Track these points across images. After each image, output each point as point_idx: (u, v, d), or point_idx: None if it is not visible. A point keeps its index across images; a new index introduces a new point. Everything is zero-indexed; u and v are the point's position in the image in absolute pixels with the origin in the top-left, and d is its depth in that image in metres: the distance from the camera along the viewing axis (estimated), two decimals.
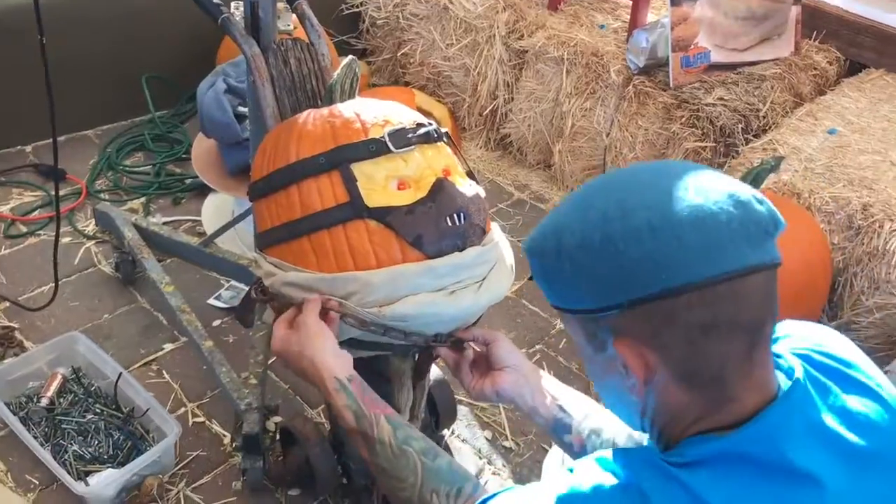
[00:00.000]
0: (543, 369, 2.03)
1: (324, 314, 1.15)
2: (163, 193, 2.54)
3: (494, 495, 0.94)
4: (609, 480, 0.80)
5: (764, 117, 2.43)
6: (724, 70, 2.51)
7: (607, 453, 0.85)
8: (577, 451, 1.18)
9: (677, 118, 2.39)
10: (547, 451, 1.82)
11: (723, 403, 0.80)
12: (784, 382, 0.82)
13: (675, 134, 2.40)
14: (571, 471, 0.88)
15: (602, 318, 0.80)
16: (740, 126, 2.36)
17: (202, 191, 2.49)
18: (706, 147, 2.37)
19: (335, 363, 1.10)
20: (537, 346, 2.14)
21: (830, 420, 0.81)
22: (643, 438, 1.10)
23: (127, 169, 2.63)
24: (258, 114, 1.45)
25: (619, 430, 1.16)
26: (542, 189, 2.81)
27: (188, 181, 2.57)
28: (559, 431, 1.22)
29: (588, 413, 1.22)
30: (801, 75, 2.63)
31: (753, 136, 2.38)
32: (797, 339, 0.92)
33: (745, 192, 0.78)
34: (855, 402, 0.84)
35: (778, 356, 0.86)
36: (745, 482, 0.76)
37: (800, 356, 0.87)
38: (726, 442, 0.78)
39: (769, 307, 0.79)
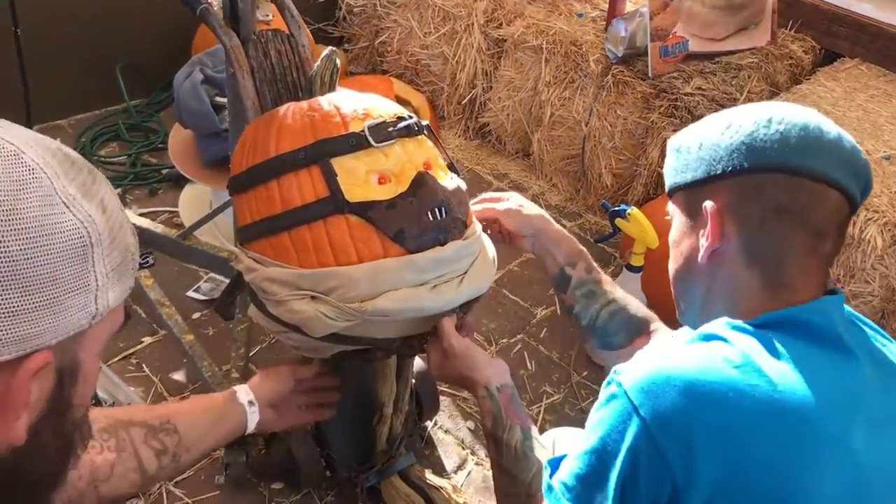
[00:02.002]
0: (524, 359, 2.06)
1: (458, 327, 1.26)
2: (139, 184, 2.51)
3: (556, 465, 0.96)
4: (689, 343, 0.88)
5: None
6: (702, 59, 2.52)
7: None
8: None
9: (656, 107, 2.40)
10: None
11: (780, 289, 0.90)
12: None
13: (653, 123, 2.41)
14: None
15: (708, 186, 0.93)
16: None
17: (179, 181, 2.46)
18: None
19: (488, 374, 1.19)
20: (518, 336, 2.15)
21: (865, 340, 0.92)
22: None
23: (102, 159, 2.60)
24: (238, 106, 1.43)
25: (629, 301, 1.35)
26: (520, 178, 2.82)
27: (164, 171, 2.54)
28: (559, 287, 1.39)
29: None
30: (777, 64, 2.64)
31: None
32: None
33: (860, 152, 0.91)
34: (888, 348, 0.94)
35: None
36: (805, 342, 0.85)
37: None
38: (789, 311, 0.88)
39: (835, 228, 0.90)
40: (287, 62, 1.45)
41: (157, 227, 2.06)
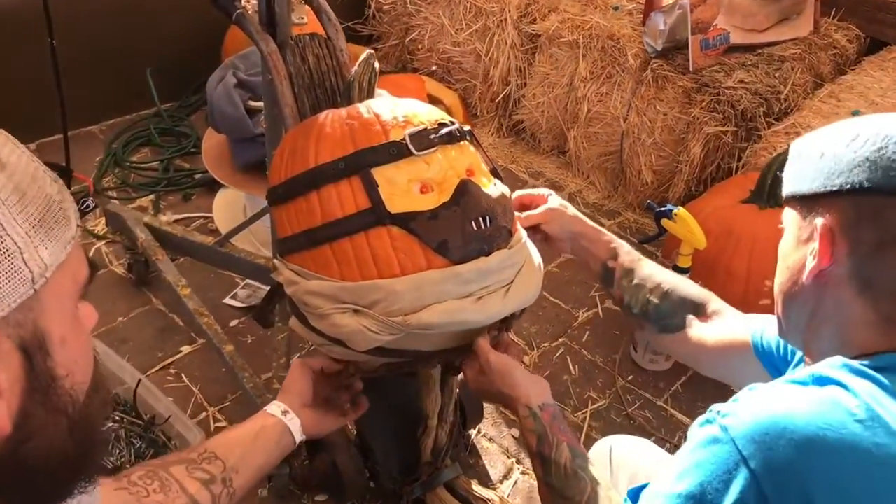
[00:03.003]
0: (567, 363, 2.02)
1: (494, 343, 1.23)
2: (172, 189, 2.50)
3: (643, 485, 0.92)
4: (798, 381, 0.81)
5: (785, 100, 2.37)
6: (744, 52, 2.45)
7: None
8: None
9: (697, 102, 2.33)
10: None
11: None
12: None
13: (695, 118, 2.34)
14: None
15: (823, 199, 0.85)
16: (762, 109, 2.30)
17: (212, 186, 2.45)
18: (727, 132, 2.31)
19: (529, 392, 1.16)
20: (560, 339, 2.10)
21: None
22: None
23: (134, 165, 2.59)
24: (275, 113, 1.40)
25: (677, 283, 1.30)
26: (556, 176, 2.77)
27: (198, 176, 2.53)
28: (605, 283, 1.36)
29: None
30: (820, 55, 2.56)
31: (775, 119, 2.32)
32: None
33: None
34: None
35: None
36: None
37: None
38: None
39: None
40: (325, 67, 1.41)
41: (194, 235, 2.05)
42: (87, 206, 2.36)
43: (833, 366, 0.81)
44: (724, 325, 1.25)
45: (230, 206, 2.36)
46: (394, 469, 1.57)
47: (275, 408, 1.24)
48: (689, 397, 1.95)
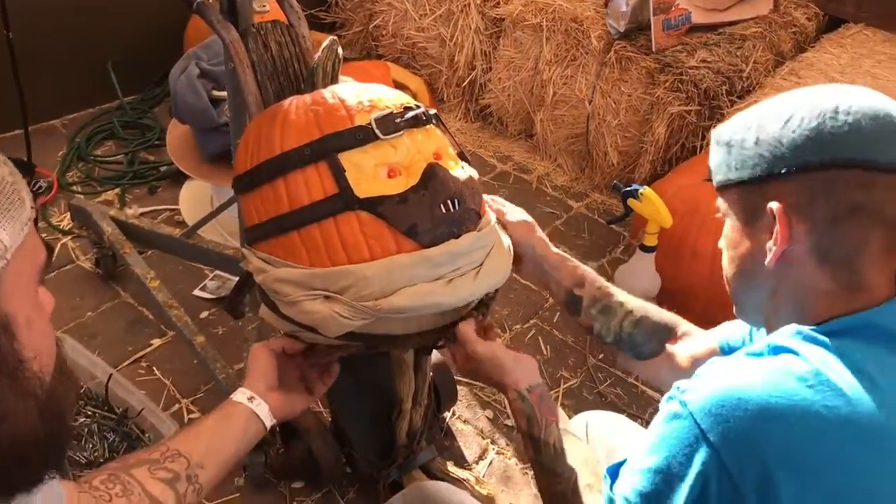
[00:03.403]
0: (539, 344, 2.04)
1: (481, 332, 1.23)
2: (137, 182, 2.48)
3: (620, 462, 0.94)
4: (752, 352, 0.85)
5: (747, 78, 2.40)
6: (706, 31, 2.47)
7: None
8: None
9: (661, 82, 2.36)
10: None
11: (853, 289, 0.84)
12: None
13: (659, 99, 2.37)
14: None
15: (769, 183, 0.86)
16: (724, 88, 2.34)
17: (178, 178, 2.43)
18: (691, 111, 2.34)
19: (517, 377, 1.16)
20: (531, 321, 2.12)
21: None
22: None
23: (98, 159, 2.56)
24: (239, 101, 1.39)
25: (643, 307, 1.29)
26: (524, 160, 2.78)
27: (163, 169, 2.51)
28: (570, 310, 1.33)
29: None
30: (781, 33, 2.60)
31: (738, 97, 2.36)
32: None
33: None
34: None
35: None
36: (883, 349, 0.81)
37: None
38: (866, 315, 0.83)
39: None
40: (288, 54, 1.40)
41: (161, 227, 2.03)
42: (39, 187, 2.33)
43: (786, 334, 0.83)
44: (694, 342, 1.26)
45: (196, 197, 2.34)
46: (370, 453, 1.58)
47: (240, 395, 1.20)
48: None
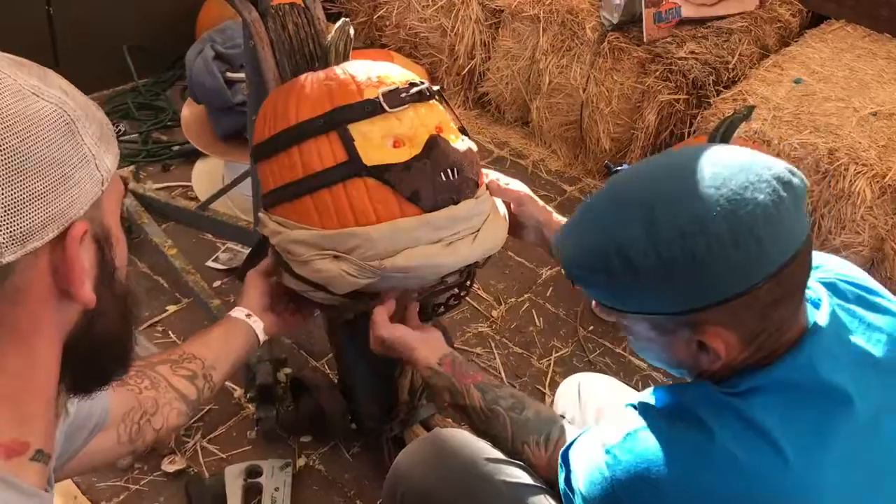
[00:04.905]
0: (533, 316, 2.16)
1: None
2: (151, 161, 2.58)
3: (573, 441, 1.04)
4: (671, 414, 0.92)
5: (733, 69, 2.52)
6: (695, 24, 2.59)
7: (667, 390, 0.96)
8: None
9: (651, 72, 2.48)
10: (541, 391, 1.94)
11: (771, 347, 0.89)
12: (812, 313, 0.93)
13: (649, 88, 2.49)
14: (634, 406, 0.98)
15: (681, 317, 0.87)
16: (711, 78, 2.45)
17: (190, 157, 2.54)
18: (679, 99, 2.46)
19: (425, 354, 1.24)
20: (526, 295, 2.24)
21: (859, 340, 0.92)
22: None
23: None
24: (258, 78, 1.50)
25: None
26: (520, 146, 2.89)
27: (175, 148, 2.61)
28: None
29: None
30: (766, 28, 2.72)
31: (724, 87, 2.47)
32: (823, 270, 1.03)
33: (781, 169, 0.85)
34: (879, 321, 0.95)
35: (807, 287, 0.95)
36: (791, 405, 0.86)
37: (825, 284, 0.99)
38: (772, 373, 0.88)
39: (811, 259, 0.89)
40: (304, 34, 1.51)
41: (177, 200, 2.14)
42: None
43: (702, 395, 0.90)
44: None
45: (209, 175, 2.46)
46: (374, 409, 1.68)
47: (238, 312, 1.33)
48: None
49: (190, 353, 1.22)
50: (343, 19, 1.40)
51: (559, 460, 1.05)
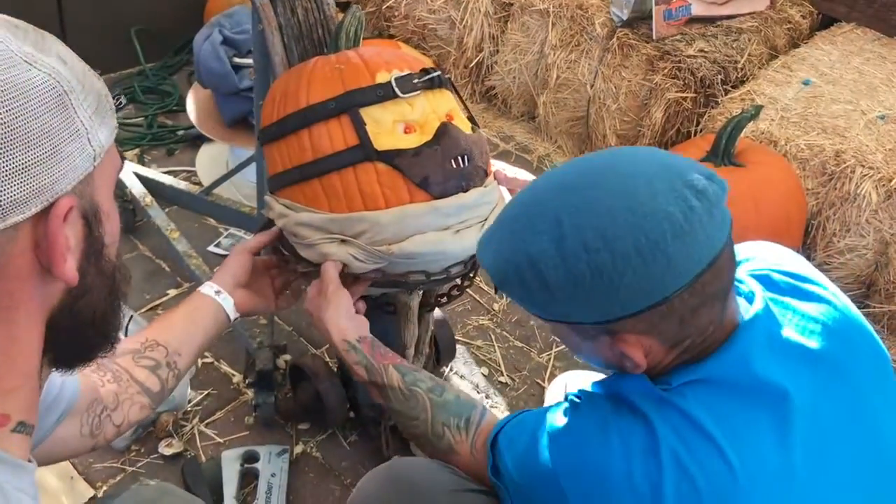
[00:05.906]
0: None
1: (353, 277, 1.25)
2: (156, 144, 2.57)
3: (506, 423, 1.04)
4: (610, 407, 0.92)
5: (742, 69, 2.51)
6: (704, 23, 2.58)
7: (605, 381, 0.97)
8: None
9: (660, 69, 2.47)
10: (540, 385, 1.93)
11: (701, 346, 0.89)
12: (745, 307, 0.92)
13: (657, 85, 2.48)
14: (571, 397, 0.98)
15: (598, 326, 0.87)
16: (719, 77, 2.45)
17: (195, 142, 2.53)
18: (687, 97, 2.45)
19: (347, 326, 1.20)
20: None
21: (791, 332, 0.91)
22: None
23: (119, 121, 2.64)
24: (265, 62, 1.49)
25: None
26: (526, 140, 2.89)
27: (180, 132, 2.61)
28: None
29: None
30: (776, 28, 2.71)
31: (732, 86, 2.47)
32: (756, 262, 1.02)
33: (696, 176, 0.82)
34: (812, 310, 0.94)
35: (739, 281, 0.94)
36: (724, 400, 0.87)
37: (759, 277, 0.97)
38: (704, 369, 0.88)
39: (735, 261, 0.87)
40: (313, 19, 1.51)
41: (182, 184, 2.13)
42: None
43: (641, 389, 0.90)
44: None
45: (213, 160, 2.45)
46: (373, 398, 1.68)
47: (208, 288, 1.27)
48: None
49: (153, 339, 1.16)
50: (354, 5, 1.40)
51: (487, 447, 1.04)
